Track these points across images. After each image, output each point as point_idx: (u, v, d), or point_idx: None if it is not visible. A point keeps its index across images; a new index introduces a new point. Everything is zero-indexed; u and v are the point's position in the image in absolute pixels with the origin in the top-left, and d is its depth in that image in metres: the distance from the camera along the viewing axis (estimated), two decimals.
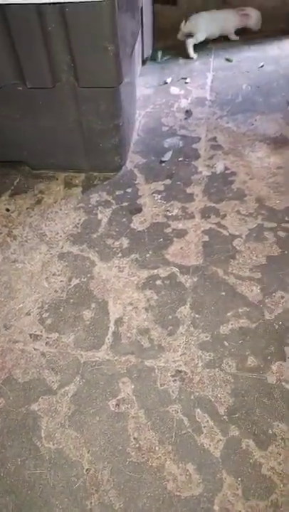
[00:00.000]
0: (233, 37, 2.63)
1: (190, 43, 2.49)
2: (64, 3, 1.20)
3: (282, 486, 0.93)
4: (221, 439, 1.00)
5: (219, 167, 1.73)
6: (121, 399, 1.08)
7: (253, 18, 2.57)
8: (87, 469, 0.97)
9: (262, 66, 2.36)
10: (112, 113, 1.50)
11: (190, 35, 2.51)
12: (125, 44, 1.44)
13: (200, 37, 2.50)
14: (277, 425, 1.01)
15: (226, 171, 1.71)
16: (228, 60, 2.44)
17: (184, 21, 2.50)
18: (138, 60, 2.11)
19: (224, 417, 1.03)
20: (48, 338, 1.21)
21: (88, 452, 1.00)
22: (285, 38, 2.60)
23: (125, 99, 1.58)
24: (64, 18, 1.23)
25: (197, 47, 2.51)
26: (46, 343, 1.20)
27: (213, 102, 2.10)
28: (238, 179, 1.67)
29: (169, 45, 2.56)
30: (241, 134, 1.89)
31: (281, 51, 2.50)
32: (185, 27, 2.50)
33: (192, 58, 2.50)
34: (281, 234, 1.44)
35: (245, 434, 1.00)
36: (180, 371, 1.12)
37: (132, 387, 1.10)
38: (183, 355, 1.15)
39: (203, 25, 2.48)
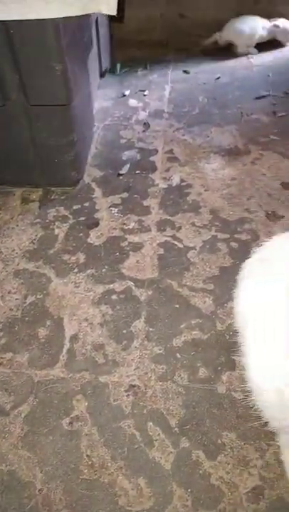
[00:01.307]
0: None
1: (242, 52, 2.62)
2: (7, 21, 1.21)
3: (229, 494, 0.96)
4: (172, 452, 1.02)
5: (175, 179, 1.76)
6: (74, 417, 1.09)
7: (282, 30, 2.56)
8: (39, 490, 0.98)
9: (218, 78, 2.42)
10: (65, 129, 1.51)
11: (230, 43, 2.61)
12: (75, 61, 1.46)
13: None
14: (226, 435, 1.04)
15: (182, 183, 1.75)
16: (185, 72, 2.49)
17: (217, 34, 2.59)
18: (95, 73, 2.14)
19: (175, 429, 1.06)
20: (1, 358, 1.21)
21: (41, 472, 1.00)
22: None
23: (79, 114, 1.60)
24: (9, 38, 1.24)
25: (158, 60, 2.56)
26: (0, 364, 1.20)
27: (171, 115, 2.14)
28: (194, 191, 1.71)
29: (128, 57, 2.60)
30: (197, 146, 1.93)
31: (236, 63, 2.57)
32: (222, 37, 2.59)
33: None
34: (233, 245, 1.49)
35: (195, 445, 1.03)
36: (133, 385, 1.14)
37: (86, 404, 1.11)
38: (136, 370, 1.17)
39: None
